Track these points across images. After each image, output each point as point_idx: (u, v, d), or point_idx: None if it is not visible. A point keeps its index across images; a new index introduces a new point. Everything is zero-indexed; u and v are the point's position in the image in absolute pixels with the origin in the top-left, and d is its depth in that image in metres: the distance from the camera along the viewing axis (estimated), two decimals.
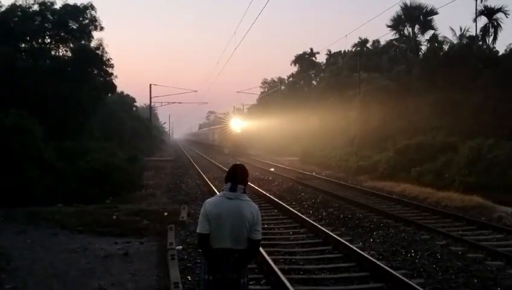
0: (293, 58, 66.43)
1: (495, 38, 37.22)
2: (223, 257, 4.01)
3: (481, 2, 36.52)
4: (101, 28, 26.10)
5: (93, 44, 25.88)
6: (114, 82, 27.58)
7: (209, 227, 4.04)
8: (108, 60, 26.28)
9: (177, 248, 9.23)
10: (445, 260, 8.92)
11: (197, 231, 4.16)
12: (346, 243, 9.66)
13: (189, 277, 7.68)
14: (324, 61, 62.06)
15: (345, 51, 55.55)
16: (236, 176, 4.18)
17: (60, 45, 25.68)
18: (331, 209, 14.68)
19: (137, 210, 13.66)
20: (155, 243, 10.02)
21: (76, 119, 23.61)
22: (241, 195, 4.10)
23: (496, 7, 36.54)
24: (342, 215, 13.63)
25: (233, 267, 4.01)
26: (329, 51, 59.83)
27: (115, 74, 27.16)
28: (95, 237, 10.62)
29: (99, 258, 8.87)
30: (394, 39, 46.70)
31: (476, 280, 7.74)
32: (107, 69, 26.57)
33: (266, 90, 76.35)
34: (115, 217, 12.56)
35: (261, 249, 8.64)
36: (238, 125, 48.06)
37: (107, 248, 9.58)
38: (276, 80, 75.34)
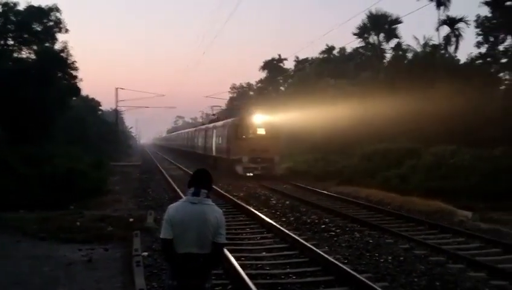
0: (262, 64, 67.03)
1: (457, 48, 38.33)
2: (187, 262, 4.00)
3: (443, 12, 37.62)
4: (66, 31, 25.85)
5: (57, 46, 25.58)
6: (78, 85, 27.24)
7: (172, 232, 4.03)
8: (73, 62, 26.03)
9: (143, 254, 9.13)
10: (409, 263, 9.11)
11: (161, 236, 4.14)
12: (312, 247, 9.75)
13: (154, 284, 7.60)
14: (292, 67, 62.76)
15: (312, 58, 56.31)
16: (200, 180, 4.19)
17: (23, 47, 25.18)
18: (298, 214, 14.78)
19: (102, 216, 13.41)
20: (120, 250, 9.88)
21: (40, 123, 23.11)
22: (204, 199, 4.11)
23: (458, 17, 37.68)
24: (308, 220, 13.74)
25: (198, 272, 4.02)
26: (297, 58, 60.56)
27: (80, 76, 26.85)
28: (58, 244, 10.41)
29: (62, 265, 8.69)
30: (360, 47, 47.70)
31: (438, 283, 7.94)
32: (72, 72, 26.21)
33: (235, 95, 76.60)
34: (78, 223, 12.33)
35: (228, 254, 8.68)
36: (263, 121, 28.82)
37: (70, 255, 9.41)
38: (244, 85, 75.69)
